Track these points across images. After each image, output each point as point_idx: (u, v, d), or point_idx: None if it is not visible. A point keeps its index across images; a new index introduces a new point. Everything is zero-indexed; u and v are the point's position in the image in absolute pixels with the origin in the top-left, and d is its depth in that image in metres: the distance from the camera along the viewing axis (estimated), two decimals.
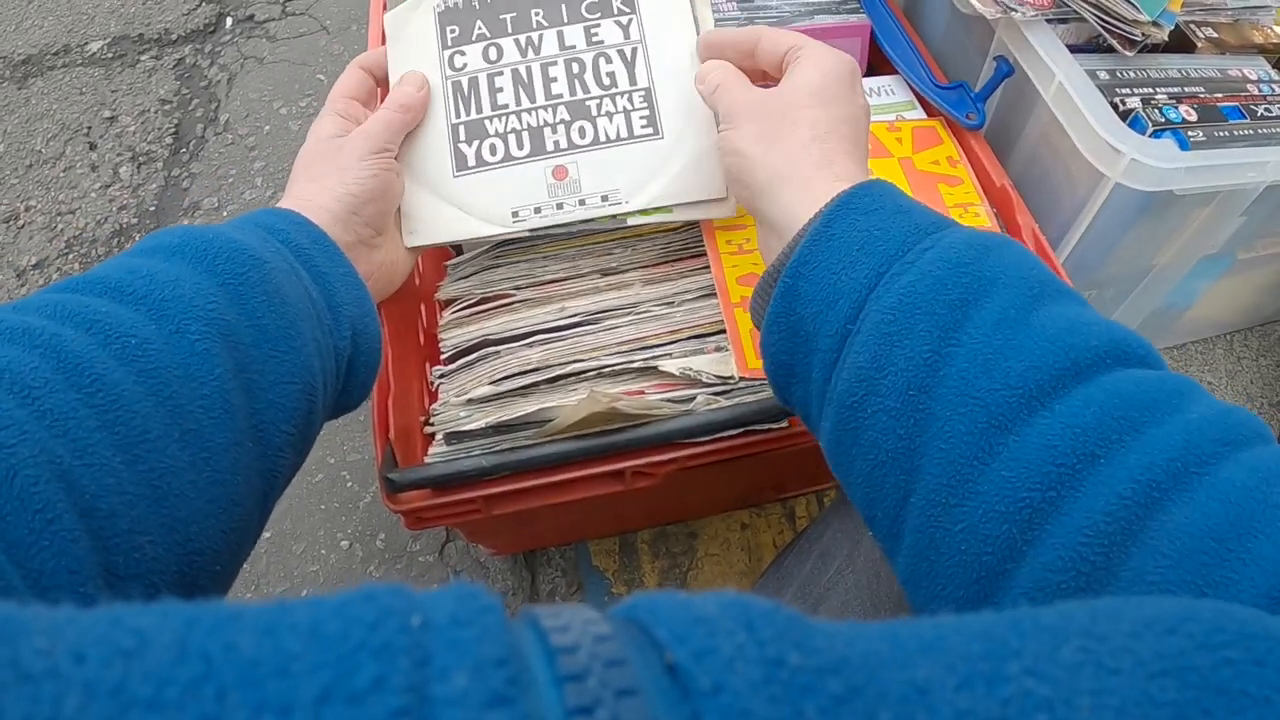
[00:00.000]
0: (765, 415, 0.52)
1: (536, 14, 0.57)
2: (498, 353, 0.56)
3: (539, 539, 0.81)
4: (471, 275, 0.60)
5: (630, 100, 0.55)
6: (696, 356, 0.54)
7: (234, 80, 1.28)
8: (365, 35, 0.73)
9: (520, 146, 0.55)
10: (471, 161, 0.55)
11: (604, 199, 0.54)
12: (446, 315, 0.59)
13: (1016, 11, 0.64)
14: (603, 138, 0.55)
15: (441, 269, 0.63)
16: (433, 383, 0.59)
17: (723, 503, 0.82)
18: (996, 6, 0.65)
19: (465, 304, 0.59)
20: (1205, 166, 0.60)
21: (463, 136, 0.55)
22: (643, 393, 0.54)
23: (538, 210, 0.55)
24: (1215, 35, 0.74)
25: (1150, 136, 0.63)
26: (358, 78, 0.54)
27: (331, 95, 0.53)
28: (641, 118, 0.55)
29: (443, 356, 0.58)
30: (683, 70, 0.55)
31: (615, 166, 0.55)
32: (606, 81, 0.55)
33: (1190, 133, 0.64)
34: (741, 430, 0.53)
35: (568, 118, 0.55)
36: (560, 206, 0.55)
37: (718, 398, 0.53)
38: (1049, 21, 0.66)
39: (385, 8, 0.71)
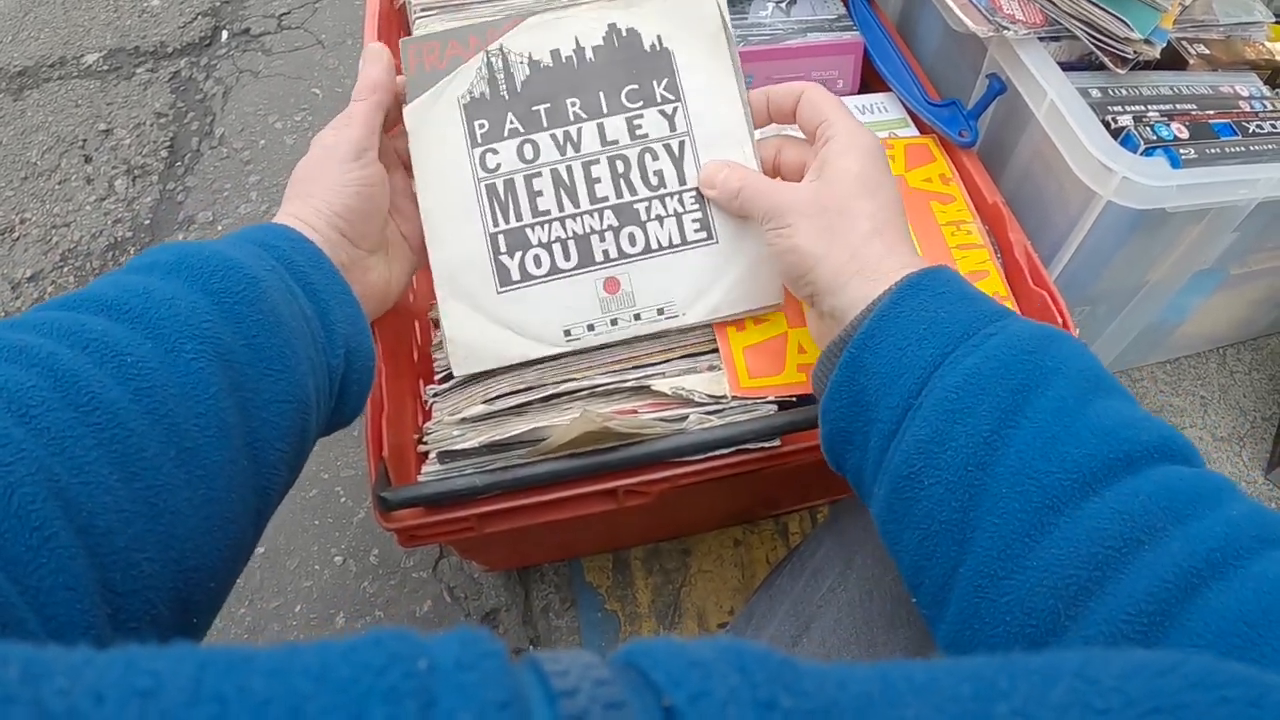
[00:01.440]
0: (757, 434, 0.52)
1: (573, 105, 0.53)
2: (491, 371, 0.56)
3: (532, 556, 0.81)
4: None
5: (680, 202, 0.52)
6: (689, 376, 0.54)
7: (229, 94, 1.28)
8: (360, 50, 0.73)
9: (567, 258, 0.52)
10: (515, 276, 0.52)
11: (659, 312, 0.53)
12: (440, 334, 0.59)
13: (1009, 29, 0.65)
14: (654, 245, 0.52)
15: None
16: (426, 401, 0.58)
17: (716, 520, 0.82)
18: (989, 24, 0.65)
19: None
20: (1197, 184, 0.60)
21: (503, 248, 0.52)
22: (635, 412, 0.54)
23: (590, 328, 0.53)
24: (1208, 52, 0.74)
25: (1142, 154, 0.64)
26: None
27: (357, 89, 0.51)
28: (694, 220, 0.52)
29: (436, 375, 0.58)
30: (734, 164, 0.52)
31: (669, 276, 0.52)
32: (654, 181, 0.52)
33: (1182, 150, 0.64)
34: (734, 449, 0.53)
35: (615, 223, 0.52)
36: (615, 323, 0.52)
37: (710, 417, 0.53)
38: (1041, 39, 0.67)
39: (379, 29, 0.71)
